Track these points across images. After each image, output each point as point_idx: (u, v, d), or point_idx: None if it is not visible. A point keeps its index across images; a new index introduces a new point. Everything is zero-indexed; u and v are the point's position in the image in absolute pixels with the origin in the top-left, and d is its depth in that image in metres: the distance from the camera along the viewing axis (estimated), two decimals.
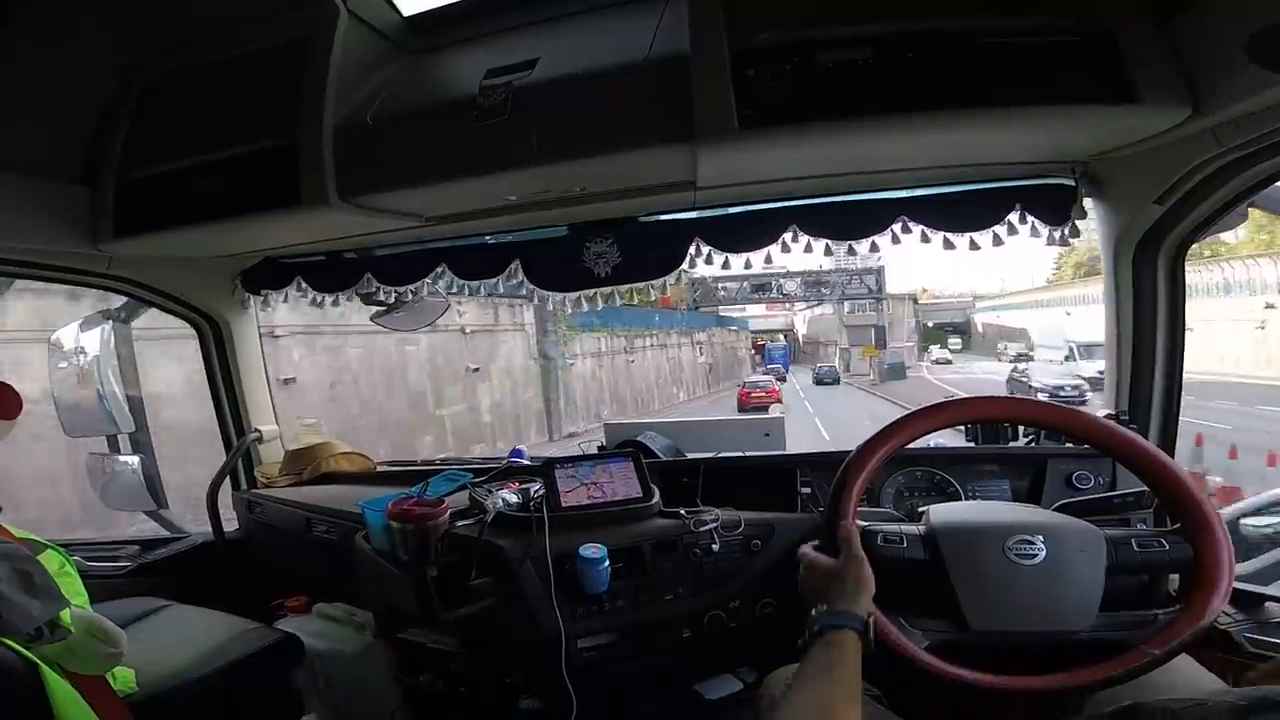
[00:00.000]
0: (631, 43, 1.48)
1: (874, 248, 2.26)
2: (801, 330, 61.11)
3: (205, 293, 2.44)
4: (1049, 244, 1.81)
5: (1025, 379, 20.82)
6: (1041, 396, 14.12)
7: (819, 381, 34.40)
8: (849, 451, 1.33)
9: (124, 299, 2.52)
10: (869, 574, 1.13)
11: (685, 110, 1.35)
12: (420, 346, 13.15)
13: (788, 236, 1.87)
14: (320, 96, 1.56)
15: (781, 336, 59.80)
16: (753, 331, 53.98)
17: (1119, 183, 1.67)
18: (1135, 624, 1.15)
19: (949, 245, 1.84)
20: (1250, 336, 18.48)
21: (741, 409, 22.07)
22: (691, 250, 1.94)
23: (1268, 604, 1.50)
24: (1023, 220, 1.77)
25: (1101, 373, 1.96)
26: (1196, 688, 1.12)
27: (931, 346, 46.52)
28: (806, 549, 1.26)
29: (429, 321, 2.61)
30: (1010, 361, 31.05)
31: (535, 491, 1.76)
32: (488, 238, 2.10)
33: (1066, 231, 1.77)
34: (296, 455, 2.63)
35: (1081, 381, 16.91)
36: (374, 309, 2.45)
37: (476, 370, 14.99)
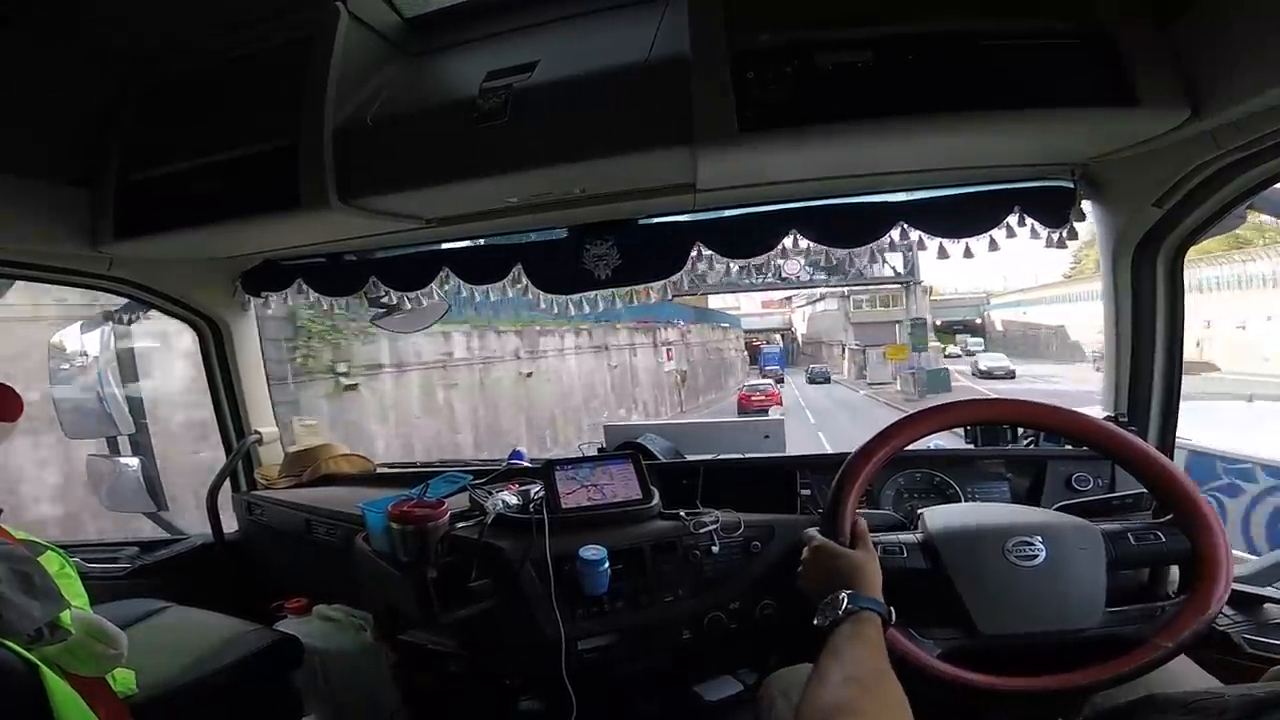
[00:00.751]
0: (631, 45, 1.48)
1: (873, 257, 2.25)
2: (801, 329, 57.11)
3: (205, 294, 2.44)
4: (1047, 246, 1.82)
5: None
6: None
7: (811, 380, 38.73)
8: (848, 454, 1.33)
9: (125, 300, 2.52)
10: (879, 570, 1.14)
11: (685, 112, 1.35)
12: None
13: (787, 241, 1.87)
14: (320, 98, 1.56)
15: (779, 336, 56.93)
16: (745, 331, 49.86)
17: (1118, 185, 1.68)
18: (1143, 618, 1.17)
19: (943, 254, 1.85)
20: None
21: (741, 412, 22.24)
22: (693, 254, 1.94)
23: (1266, 605, 1.50)
24: (1021, 223, 1.77)
25: None
26: (1196, 688, 1.13)
27: (947, 348, 41.55)
28: (814, 533, 1.26)
29: (428, 324, 2.62)
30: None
31: (535, 493, 1.76)
32: (489, 240, 2.10)
33: (1065, 234, 1.77)
34: (296, 457, 2.63)
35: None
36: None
37: None
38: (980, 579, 1.21)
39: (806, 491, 1.89)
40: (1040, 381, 27.78)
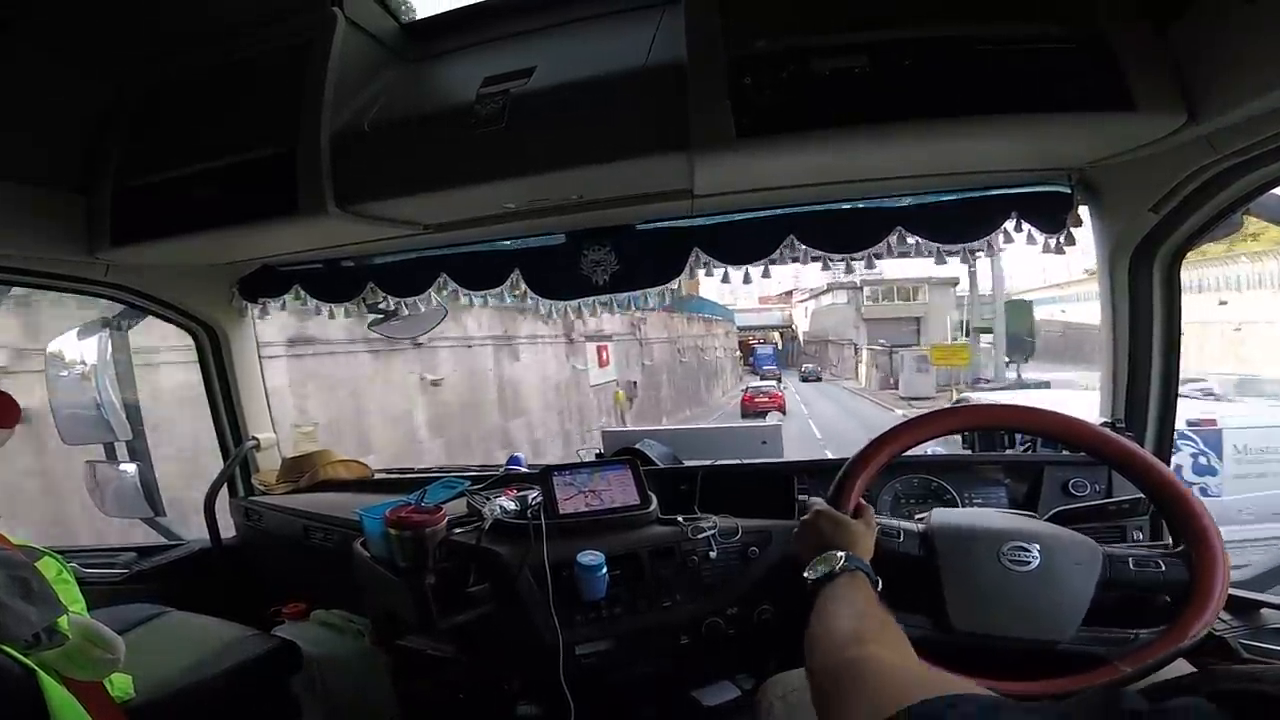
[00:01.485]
0: (628, 51, 1.48)
1: (870, 263, 2.25)
2: (803, 326, 51.75)
3: (202, 301, 2.44)
4: (1044, 251, 1.82)
5: None
6: None
7: (804, 379, 39.69)
8: (846, 459, 1.34)
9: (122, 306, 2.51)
10: (873, 547, 1.19)
11: (682, 118, 1.35)
12: None
13: (785, 247, 1.87)
14: (318, 104, 1.56)
15: (777, 335, 53.84)
16: (740, 329, 45.96)
17: (1115, 190, 1.68)
18: (1115, 641, 1.16)
19: (941, 260, 1.85)
20: None
21: (745, 414, 22.42)
22: (690, 260, 1.95)
23: (1263, 610, 1.50)
24: (1018, 228, 1.77)
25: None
26: None
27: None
28: (818, 500, 1.30)
29: (426, 330, 2.62)
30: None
31: (533, 499, 1.76)
32: (486, 245, 2.10)
33: (1062, 239, 1.78)
34: (294, 462, 2.63)
35: None
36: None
37: None
38: (966, 576, 1.21)
39: (804, 497, 1.89)
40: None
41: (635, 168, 1.51)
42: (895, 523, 1.33)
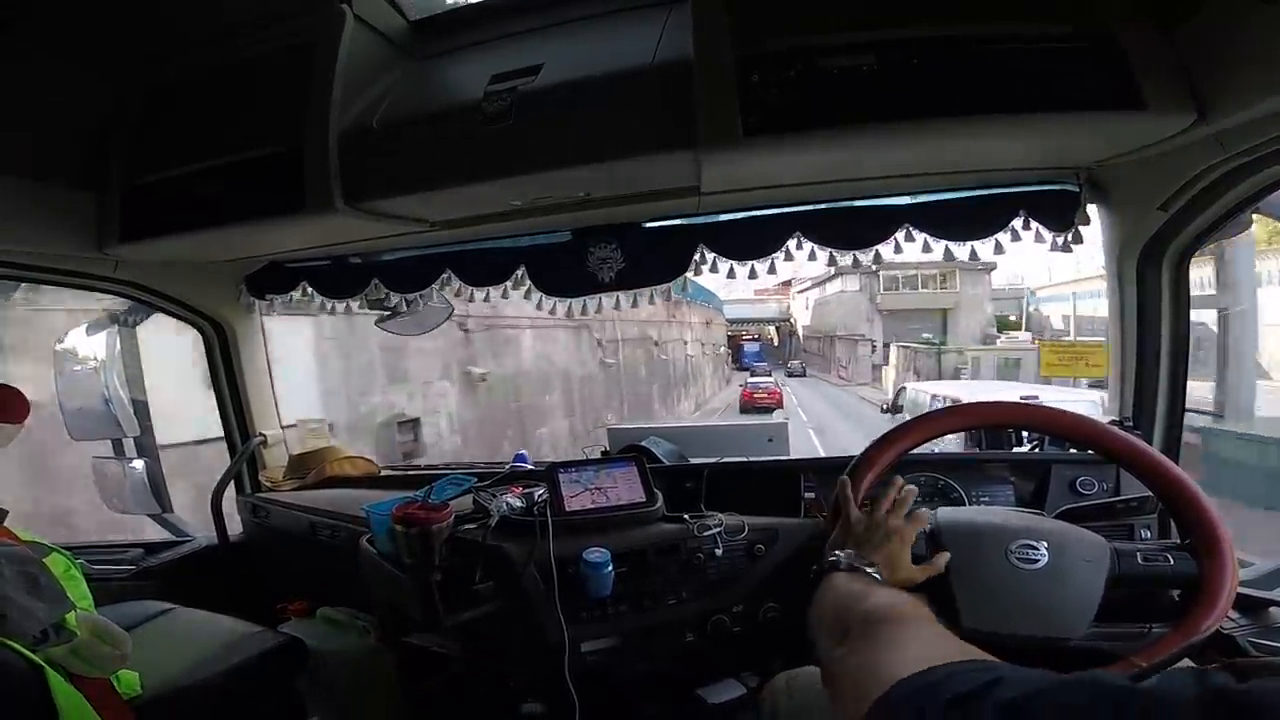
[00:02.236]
0: (636, 49, 1.48)
1: (877, 258, 2.22)
2: (803, 320, 46.74)
3: (210, 297, 2.45)
4: (1052, 250, 1.82)
5: None
6: None
7: (790, 375, 38.72)
8: (853, 457, 1.34)
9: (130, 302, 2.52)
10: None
11: (689, 116, 1.35)
12: None
13: (791, 244, 1.87)
14: (326, 101, 1.56)
15: (772, 330, 50.48)
16: (730, 321, 42.41)
17: (1123, 189, 1.67)
18: (1127, 637, 1.16)
19: (949, 256, 1.85)
20: None
21: (744, 409, 22.67)
22: (696, 257, 1.95)
23: (1272, 609, 1.50)
24: (1026, 226, 1.77)
25: None
26: None
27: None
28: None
29: (432, 326, 2.62)
30: None
31: (539, 496, 1.76)
32: (492, 243, 2.11)
33: (1070, 238, 1.77)
34: (301, 459, 2.64)
35: None
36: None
37: None
38: (975, 574, 1.21)
39: (810, 494, 1.89)
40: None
41: (642, 165, 1.51)
42: None
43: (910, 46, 1.28)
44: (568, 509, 1.70)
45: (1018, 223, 1.77)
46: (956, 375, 24.12)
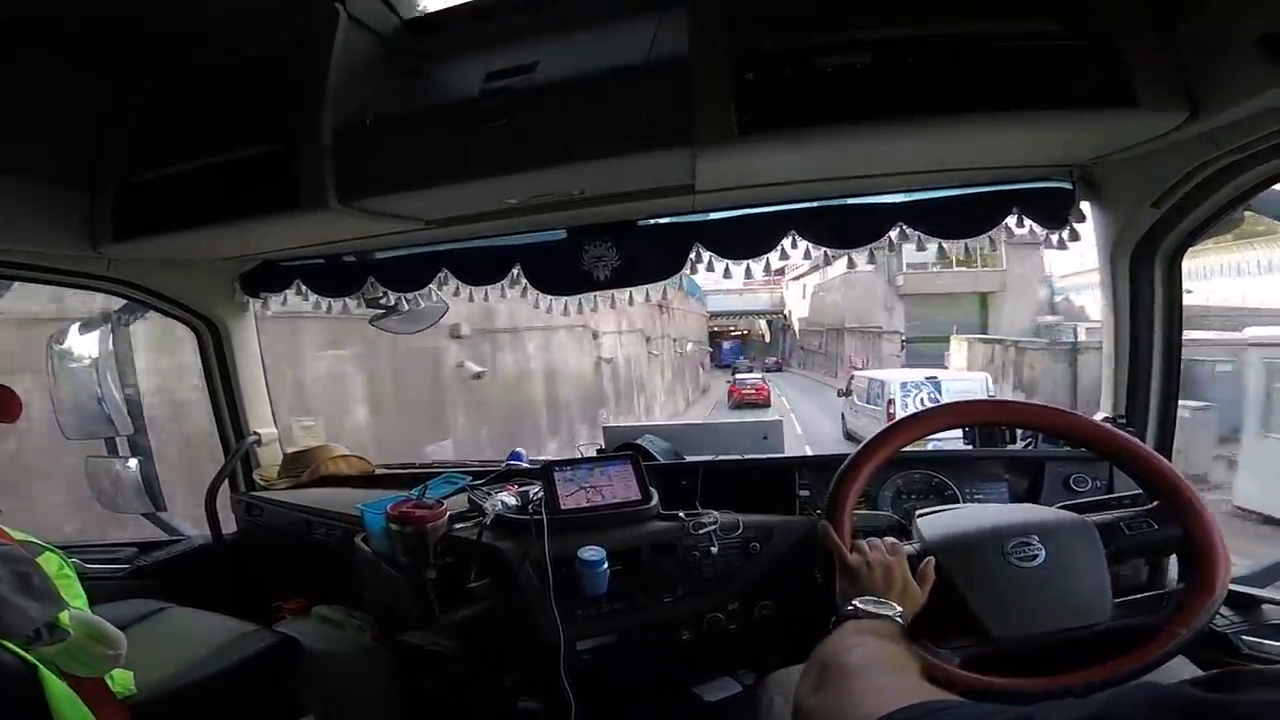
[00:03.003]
0: (631, 47, 1.48)
1: (871, 257, 2.21)
2: (800, 311, 39.60)
3: (204, 296, 2.44)
4: (1046, 247, 1.82)
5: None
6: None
7: (767, 370, 37.50)
8: (847, 454, 1.34)
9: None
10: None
11: (685, 114, 1.35)
12: None
13: (786, 242, 1.88)
14: (320, 100, 1.56)
15: (764, 323, 45.70)
16: (712, 315, 38.97)
17: (1116, 186, 1.68)
18: (1151, 607, 1.19)
19: (943, 254, 1.86)
20: None
21: (732, 403, 23.16)
22: (691, 256, 1.95)
23: (1264, 606, 1.50)
24: (1020, 224, 1.78)
25: None
26: None
27: None
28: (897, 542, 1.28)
29: (427, 325, 2.62)
30: None
31: (534, 494, 1.76)
32: (488, 241, 2.10)
33: (1065, 235, 1.78)
34: (295, 458, 2.63)
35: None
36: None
37: None
38: (985, 584, 1.21)
39: (805, 492, 1.90)
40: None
41: (638, 163, 1.51)
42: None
43: (905, 45, 1.28)
44: (563, 507, 1.70)
45: (1011, 220, 1.78)
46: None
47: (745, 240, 1.91)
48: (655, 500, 1.74)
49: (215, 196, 1.68)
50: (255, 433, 2.62)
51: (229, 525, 2.66)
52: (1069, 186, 1.73)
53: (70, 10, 1.56)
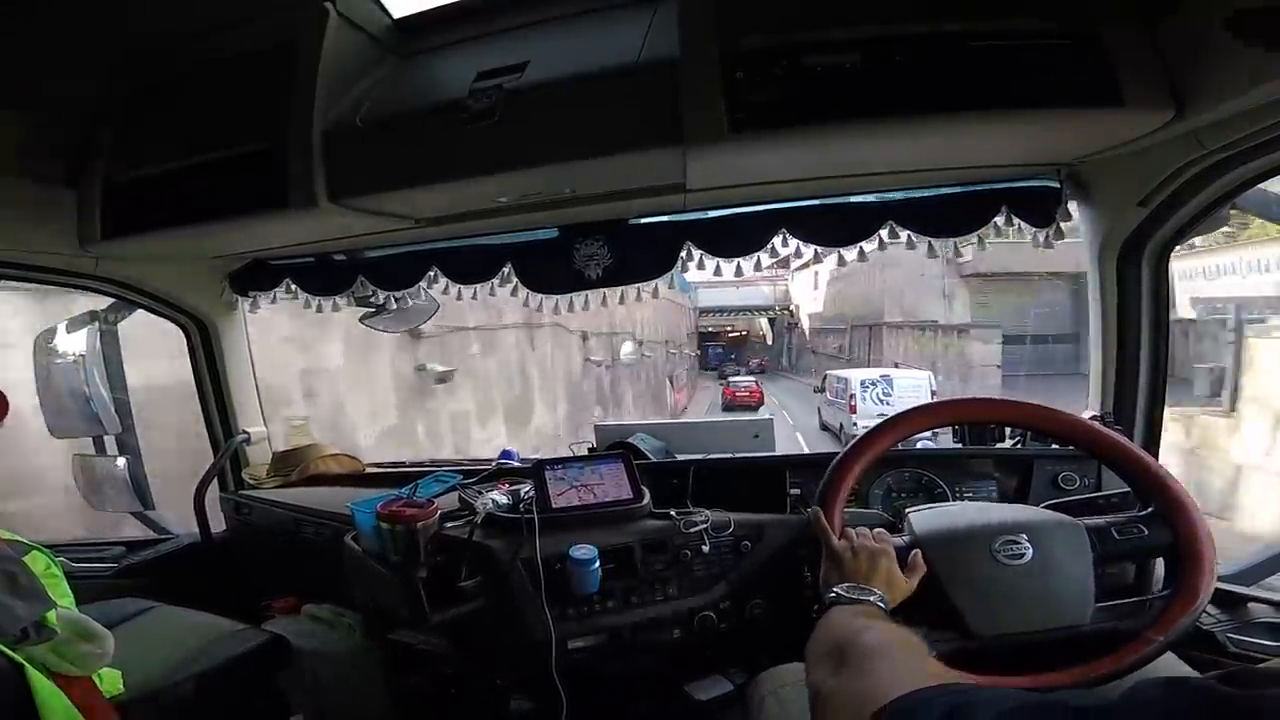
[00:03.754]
0: (622, 46, 1.48)
1: (861, 255, 2.20)
2: (810, 306, 34.84)
3: (193, 294, 2.43)
4: (1035, 246, 1.83)
5: None
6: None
7: (751, 372, 36.49)
8: (836, 453, 1.34)
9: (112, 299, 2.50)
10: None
11: (675, 113, 1.35)
12: None
13: (777, 240, 1.88)
14: (309, 98, 1.55)
15: (764, 322, 41.24)
16: (701, 311, 35.81)
17: (1103, 185, 1.69)
18: (1131, 611, 1.19)
19: (933, 252, 1.86)
20: None
21: (726, 405, 25.07)
22: (683, 254, 1.95)
23: (1250, 604, 1.52)
24: (1009, 222, 1.78)
25: None
26: None
27: None
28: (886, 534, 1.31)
29: (418, 323, 2.62)
30: None
31: (525, 493, 1.76)
32: (479, 239, 2.10)
33: (1052, 233, 1.79)
34: (285, 456, 2.63)
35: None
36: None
37: None
38: (970, 580, 1.22)
39: (796, 491, 1.90)
40: None
41: (628, 162, 1.51)
42: None
43: (894, 44, 1.28)
44: (554, 506, 1.70)
45: (1000, 218, 1.79)
46: None
47: (736, 238, 1.91)
48: (647, 499, 1.75)
49: (204, 195, 1.67)
50: (244, 431, 2.61)
51: (218, 524, 2.65)
52: (1056, 185, 1.74)
53: (58, 7, 1.55)
